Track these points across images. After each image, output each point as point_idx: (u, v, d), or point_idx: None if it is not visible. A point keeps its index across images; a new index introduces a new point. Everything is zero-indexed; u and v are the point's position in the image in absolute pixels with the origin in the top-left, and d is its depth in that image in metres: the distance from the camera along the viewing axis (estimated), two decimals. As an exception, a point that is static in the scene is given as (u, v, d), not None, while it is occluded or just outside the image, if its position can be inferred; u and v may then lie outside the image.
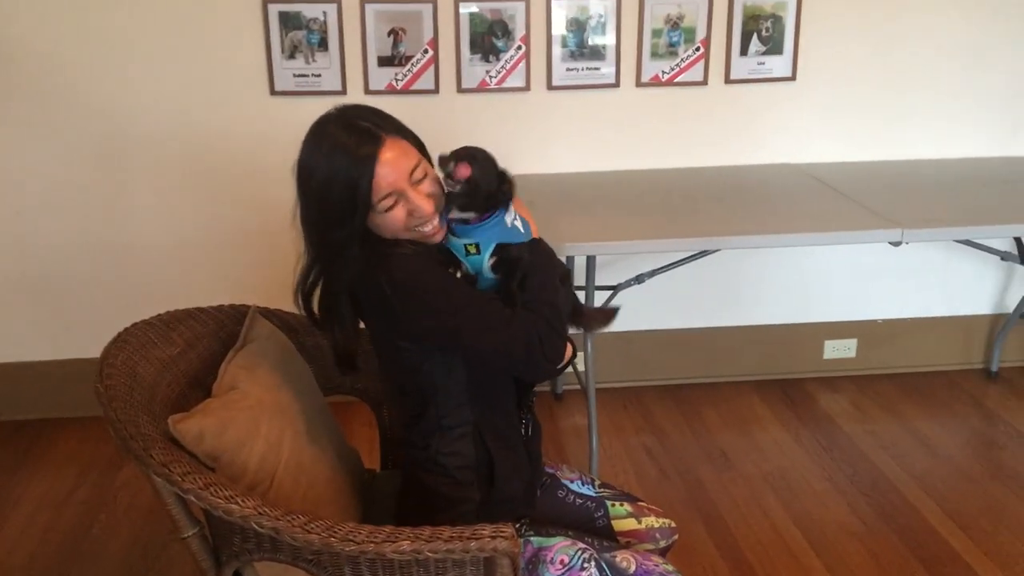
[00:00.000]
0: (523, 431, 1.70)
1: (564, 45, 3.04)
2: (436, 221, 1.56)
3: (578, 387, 3.33)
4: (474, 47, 3.00)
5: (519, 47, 3.02)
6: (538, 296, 1.55)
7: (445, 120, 3.06)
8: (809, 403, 3.35)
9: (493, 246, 1.57)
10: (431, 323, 1.50)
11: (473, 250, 1.58)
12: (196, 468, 1.37)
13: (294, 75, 2.96)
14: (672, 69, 3.11)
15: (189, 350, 1.72)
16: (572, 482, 1.82)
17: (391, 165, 1.49)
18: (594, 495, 1.81)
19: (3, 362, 3.18)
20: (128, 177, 3.03)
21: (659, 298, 3.30)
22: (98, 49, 2.89)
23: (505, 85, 3.05)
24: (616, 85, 3.10)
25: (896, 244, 2.59)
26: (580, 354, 2.91)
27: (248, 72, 2.96)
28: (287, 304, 1.77)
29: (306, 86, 2.98)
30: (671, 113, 3.15)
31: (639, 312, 3.33)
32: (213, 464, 1.46)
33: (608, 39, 3.05)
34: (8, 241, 3.05)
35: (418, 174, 1.53)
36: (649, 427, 3.20)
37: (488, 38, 3.00)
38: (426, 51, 2.99)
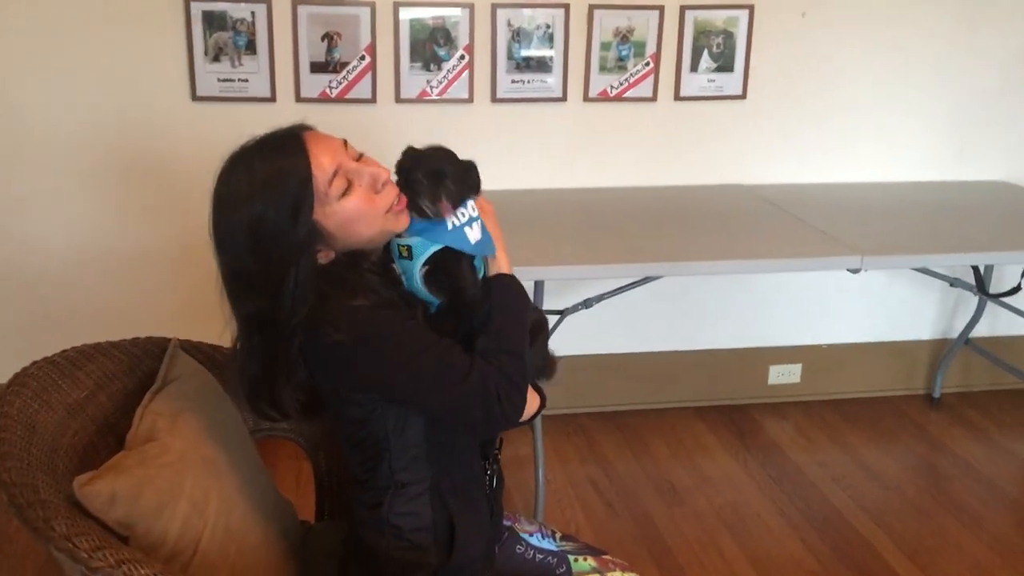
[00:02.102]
0: (487, 485, 1.52)
1: (510, 56, 2.89)
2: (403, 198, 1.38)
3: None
4: (414, 55, 2.83)
5: (462, 56, 2.85)
6: (497, 342, 1.37)
7: (382, 131, 2.87)
8: (756, 430, 3.26)
9: (429, 252, 1.39)
10: (376, 373, 1.32)
11: (405, 253, 1.40)
12: (106, 541, 1.15)
13: (219, 79, 2.74)
14: (621, 84, 2.98)
15: (99, 391, 1.50)
16: (531, 535, 1.66)
17: (322, 143, 1.33)
18: (555, 549, 1.65)
19: None
20: (32, 183, 2.76)
21: (602, 321, 3.16)
22: (6, 43, 2.62)
23: (447, 96, 2.88)
24: (563, 99, 2.96)
25: (855, 271, 2.50)
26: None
27: (168, 75, 2.72)
28: (211, 335, 1.57)
29: (232, 91, 2.75)
30: (619, 129, 3.02)
31: (581, 336, 3.19)
32: (126, 532, 1.25)
33: (555, 51, 2.91)
34: None
35: (352, 152, 1.37)
36: (594, 457, 3.06)
37: (430, 46, 2.83)
38: (363, 57, 2.79)
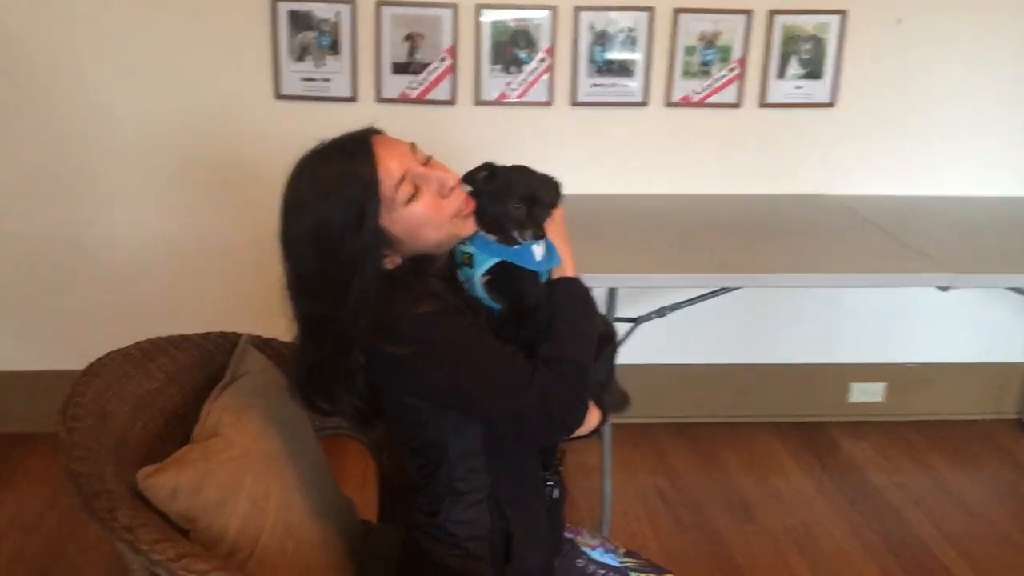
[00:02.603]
0: (548, 496, 1.49)
1: (591, 59, 2.85)
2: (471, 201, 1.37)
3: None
4: (495, 57, 2.81)
5: (543, 59, 2.83)
6: (559, 350, 1.34)
7: (460, 133, 2.87)
8: (833, 449, 3.15)
9: (490, 264, 1.36)
10: (438, 380, 1.30)
11: (467, 260, 1.38)
12: (166, 535, 1.17)
13: (302, 79, 2.77)
14: (704, 89, 2.92)
15: (169, 384, 1.53)
16: (593, 549, 1.62)
17: (390, 148, 1.33)
18: (617, 565, 1.61)
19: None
20: (117, 179, 2.84)
21: (677, 331, 3.10)
22: (88, 41, 2.70)
23: (526, 99, 2.86)
24: (644, 103, 2.91)
25: (944, 289, 2.39)
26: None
27: (253, 73, 2.76)
28: (283, 331, 1.58)
29: (314, 91, 2.78)
30: (701, 136, 2.96)
31: (655, 345, 3.13)
32: (188, 526, 1.27)
33: (638, 55, 2.86)
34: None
35: (420, 155, 1.36)
36: (663, 469, 3.00)
37: (510, 48, 2.81)
38: (444, 59, 2.80)
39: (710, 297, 2.67)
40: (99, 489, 1.18)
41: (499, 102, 2.86)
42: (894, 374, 3.29)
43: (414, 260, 1.36)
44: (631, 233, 2.65)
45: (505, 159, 2.79)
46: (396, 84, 2.80)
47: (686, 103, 2.93)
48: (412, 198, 1.31)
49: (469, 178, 1.41)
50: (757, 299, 3.11)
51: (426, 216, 1.32)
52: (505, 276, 1.37)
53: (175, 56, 2.73)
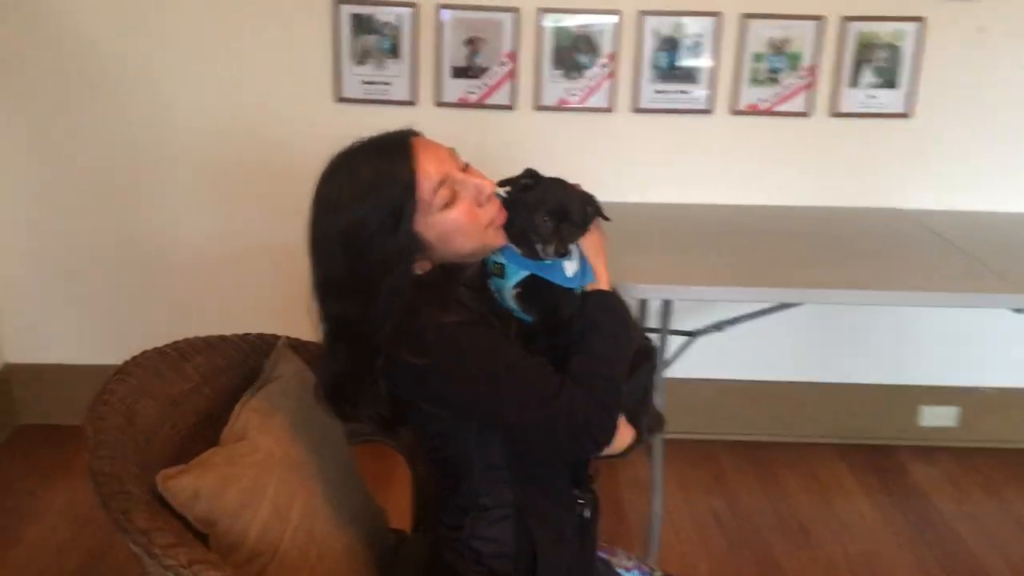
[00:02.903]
0: (579, 514, 1.44)
1: (655, 65, 2.79)
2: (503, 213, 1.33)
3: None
4: (556, 62, 2.77)
5: (605, 64, 2.78)
6: (590, 364, 1.29)
7: (520, 138, 2.83)
8: (900, 474, 3.02)
9: (522, 276, 1.32)
10: (460, 390, 1.26)
11: (498, 271, 1.34)
12: (181, 539, 1.15)
13: (362, 82, 2.77)
14: (772, 97, 2.83)
15: (204, 385, 1.53)
16: (628, 571, 1.57)
17: (430, 151, 1.29)
18: (653, 590, 1.55)
19: (36, 363, 3.04)
20: (177, 177, 2.87)
21: (738, 345, 3.00)
22: (155, 42, 2.74)
23: (587, 105, 2.81)
24: (709, 111, 2.83)
25: (1020, 311, 2.26)
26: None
27: (314, 76, 2.77)
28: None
29: (374, 94, 2.78)
30: (768, 145, 2.87)
31: (715, 359, 3.05)
32: (207, 530, 1.25)
33: (703, 61, 2.79)
34: (53, 238, 2.92)
35: (459, 161, 1.33)
36: (719, 487, 2.91)
37: (572, 53, 2.77)
38: (504, 63, 2.76)
39: (771, 312, 2.58)
40: (117, 489, 1.18)
41: (559, 108, 2.81)
42: (967, 398, 3.13)
43: (444, 268, 1.33)
44: (690, 244, 2.58)
45: (564, 166, 2.76)
46: (456, 88, 2.78)
47: (753, 111, 2.84)
48: (449, 204, 1.28)
49: (509, 182, 1.38)
50: (823, 315, 3.00)
51: (460, 223, 1.29)
52: (536, 289, 1.33)
53: (238, 57, 2.76)
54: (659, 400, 2.89)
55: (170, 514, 1.21)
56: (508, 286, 1.33)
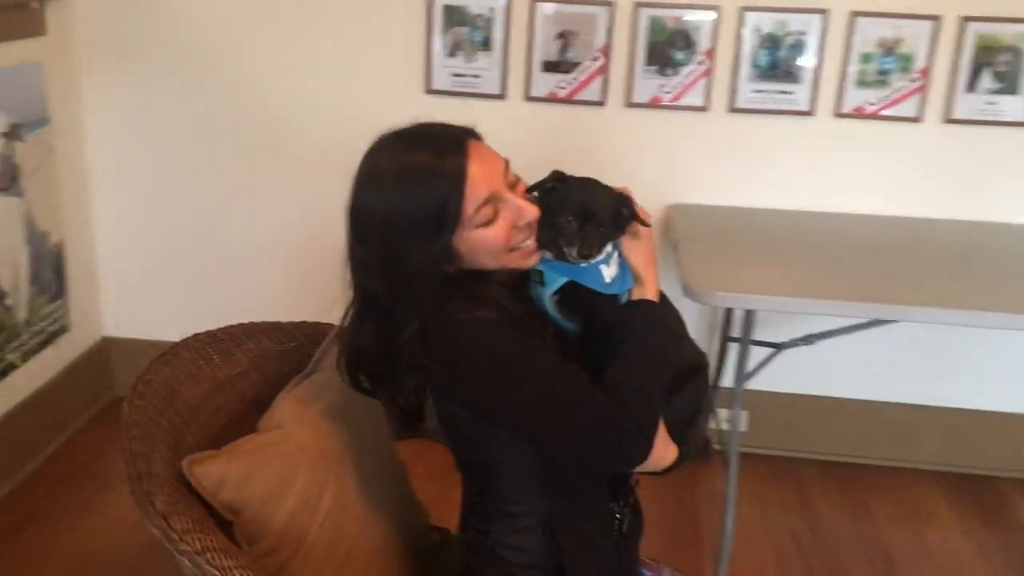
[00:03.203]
0: (616, 527, 1.38)
1: (754, 63, 2.67)
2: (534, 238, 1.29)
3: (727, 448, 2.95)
4: (650, 58, 2.69)
5: (701, 61, 2.68)
6: (627, 378, 1.22)
7: (609, 136, 2.76)
8: (1003, 509, 2.81)
9: (560, 283, 1.27)
10: (488, 392, 1.22)
11: (537, 278, 1.29)
12: (199, 526, 1.15)
13: (452, 74, 2.75)
14: (881, 100, 2.67)
15: (252, 370, 1.53)
16: (673, 592, 1.49)
17: (484, 163, 1.24)
18: (698, 613, 1.47)
19: (132, 337, 3.14)
20: (267, 167, 2.92)
21: (829, 360, 2.86)
22: (253, 31, 2.79)
23: (681, 102, 2.72)
24: (810, 113, 2.70)
25: None
26: (724, 411, 2.55)
27: (405, 67, 2.77)
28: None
29: (463, 87, 2.76)
30: (874, 151, 2.71)
31: (804, 374, 2.91)
32: (232, 517, 1.25)
33: (807, 60, 2.65)
34: (152, 219, 3.01)
35: (511, 176, 1.28)
36: (801, 507, 2.77)
37: (667, 49, 2.68)
38: (596, 58, 2.70)
39: (864, 328, 2.44)
40: (143, 471, 1.18)
41: (651, 105, 2.73)
42: (1085, 432, 2.90)
43: (478, 273, 1.29)
44: (781, 251, 2.47)
45: (654, 165, 2.67)
46: (546, 83, 2.74)
47: (859, 115, 2.69)
48: (488, 223, 1.24)
49: (537, 187, 1.32)
50: (925, 334, 2.82)
51: (491, 244, 1.25)
52: (576, 296, 1.28)
53: (332, 47, 2.78)
54: (719, 416, 2.78)
55: (195, 499, 1.21)
56: (547, 294, 1.29)
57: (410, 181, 1.22)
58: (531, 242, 1.28)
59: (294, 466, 1.31)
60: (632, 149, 2.77)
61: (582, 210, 1.27)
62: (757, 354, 2.58)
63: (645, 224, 1.34)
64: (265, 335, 1.57)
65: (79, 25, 2.81)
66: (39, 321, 2.74)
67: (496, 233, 1.24)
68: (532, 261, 1.30)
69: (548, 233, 1.28)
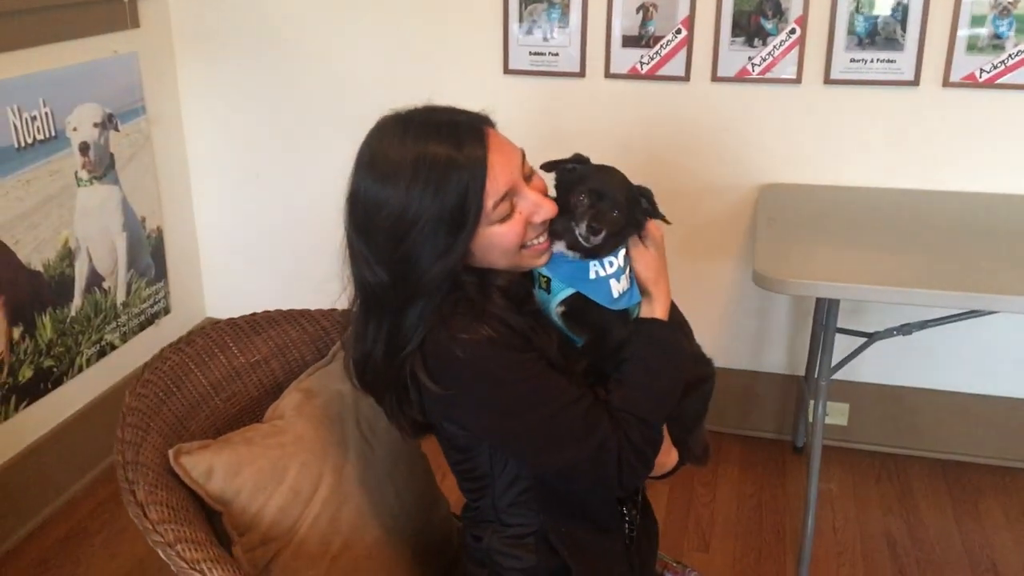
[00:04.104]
0: (626, 535, 1.30)
1: (851, 31, 2.47)
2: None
3: (828, 441, 2.78)
4: (737, 29, 2.53)
5: (793, 30, 2.50)
6: (630, 403, 1.16)
7: (694, 112, 2.63)
8: None
9: (567, 294, 1.19)
10: (484, 418, 1.17)
11: (544, 284, 1.22)
12: (176, 516, 1.15)
13: (530, 53, 2.69)
14: (995, 67, 2.42)
15: (272, 358, 1.53)
16: (697, 598, 1.40)
17: (503, 154, 1.16)
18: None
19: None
20: (343, 148, 2.93)
21: (938, 350, 2.65)
22: (338, 17, 2.80)
23: (770, 75, 2.55)
24: (914, 83, 2.47)
25: None
26: (812, 403, 2.39)
27: (484, 48, 2.72)
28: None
29: (541, 65, 2.69)
30: (988, 123, 2.47)
31: (910, 366, 2.70)
32: (221, 508, 1.25)
33: (911, 26, 2.43)
34: (251, 203, 3.09)
35: (527, 168, 1.21)
36: (902, 509, 2.58)
37: (755, 18, 2.52)
38: (679, 31, 2.57)
39: (967, 318, 2.24)
40: (131, 459, 1.20)
41: (739, 79, 2.57)
42: None
43: (479, 273, 1.21)
44: (878, 235, 2.28)
45: (741, 142, 2.52)
46: (626, 59, 2.63)
47: (971, 83, 2.45)
48: (504, 219, 1.17)
49: (555, 165, 1.26)
50: (1047, 324, 2.56)
51: (505, 242, 1.18)
52: (583, 310, 1.21)
53: (411, 30, 2.76)
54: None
55: (184, 490, 1.22)
56: (553, 303, 1.22)
57: (427, 174, 1.12)
58: (543, 239, 1.21)
59: (287, 458, 1.30)
60: (719, 126, 2.63)
61: (597, 188, 1.20)
62: (850, 343, 2.41)
63: (666, 222, 1.25)
64: (288, 322, 1.57)
65: (173, 17, 2.90)
66: (139, 303, 2.87)
67: (511, 230, 1.17)
68: (542, 260, 1.23)
69: (560, 221, 1.21)
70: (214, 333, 1.48)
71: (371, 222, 1.17)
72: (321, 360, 1.51)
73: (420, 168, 1.13)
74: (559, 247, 1.22)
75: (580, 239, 1.18)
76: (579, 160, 1.26)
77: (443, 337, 1.15)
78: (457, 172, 1.12)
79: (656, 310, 1.22)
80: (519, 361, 1.15)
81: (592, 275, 1.19)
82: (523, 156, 1.21)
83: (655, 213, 1.24)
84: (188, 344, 1.43)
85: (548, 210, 1.19)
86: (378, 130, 1.22)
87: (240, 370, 1.47)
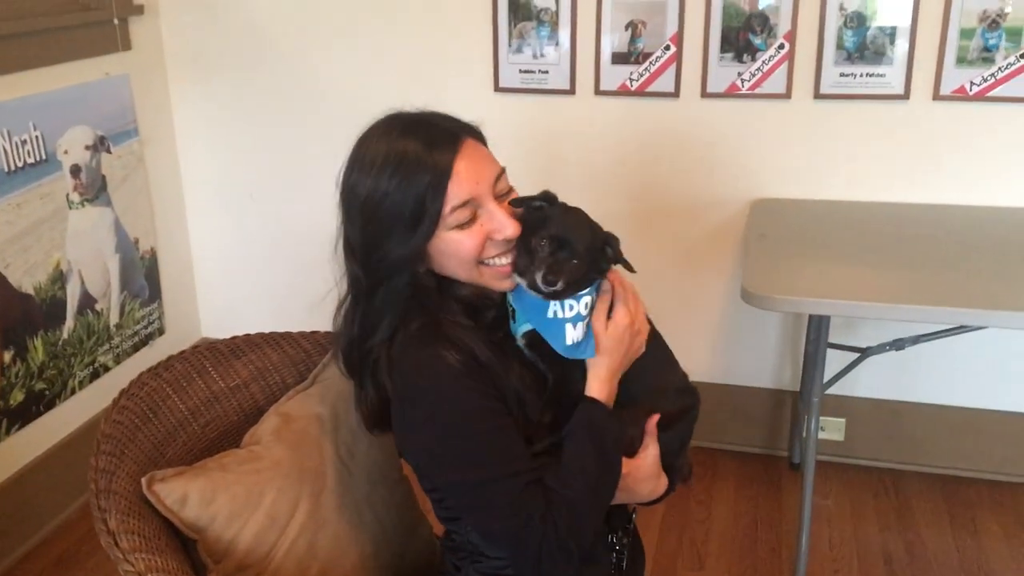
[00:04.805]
0: (612, 564, 1.29)
1: (840, 45, 2.47)
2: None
3: (825, 457, 2.76)
4: (725, 44, 2.53)
5: (781, 45, 2.50)
6: (563, 488, 1.15)
7: (684, 128, 2.63)
8: None
9: (526, 330, 1.20)
10: (417, 455, 1.20)
11: (511, 313, 1.22)
12: (148, 545, 1.14)
13: (520, 71, 2.69)
14: (985, 80, 2.41)
15: (252, 382, 1.53)
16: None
17: (474, 164, 1.18)
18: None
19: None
20: (325, 165, 2.93)
21: (933, 365, 2.63)
22: (329, 36, 2.81)
23: (760, 91, 2.55)
24: (904, 97, 2.47)
25: None
26: (806, 419, 2.36)
27: (474, 66, 2.72)
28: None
29: (531, 83, 2.69)
30: (979, 135, 2.46)
31: (906, 380, 2.68)
32: (195, 536, 1.24)
33: (899, 39, 2.43)
34: (246, 223, 3.10)
35: (502, 186, 1.22)
36: (900, 526, 2.56)
37: (744, 34, 2.52)
38: (668, 47, 2.57)
39: (958, 332, 2.22)
40: (104, 487, 1.19)
41: (729, 94, 2.57)
42: None
43: (440, 279, 1.24)
44: (868, 249, 2.27)
45: (731, 158, 2.51)
46: (616, 76, 2.63)
47: (961, 96, 2.44)
48: (461, 226, 1.18)
49: (523, 202, 1.25)
50: (1042, 337, 2.54)
51: (462, 251, 1.20)
52: (543, 344, 1.21)
53: (402, 47, 2.76)
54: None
55: (156, 518, 1.21)
56: (518, 333, 1.23)
57: (394, 167, 1.18)
58: (505, 261, 1.22)
59: (264, 484, 1.29)
60: (710, 142, 2.62)
61: (559, 234, 1.20)
62: (845, 358, 2.40)
63: (630, 269, 1.25)
64: (270, 345, 1.57)
65: (165, 39, 2.92)
66: (133, 324, 2.87)
67: (469, 239, 1.19)
68: (505, 284, 1.24)
69: (523, 258, 1.21)
70: (193, 357, 1.47)
71: (349, 205, 1.24)
72: (301, 384, 1.50)
73: (391, 160, 1.19)
74: (520, 282, 1.21)
75: (538, 285, 1.18)
76: (547, 199, 1.24)
77: (403, 348, 1.18)
78: (422, 171, 1.16)
79: (593, 386, 1.21)
80: (476, 411, 1.15)
81: (550, 314, 1.18)
82: (501, 173, 1.22)
83: (618, 260, 1.23)
84: (166, 369, 1.42)
85: (511, 230, 1.20)
86: (372, 125, 1.27)
87: (219, 395, 1.47)
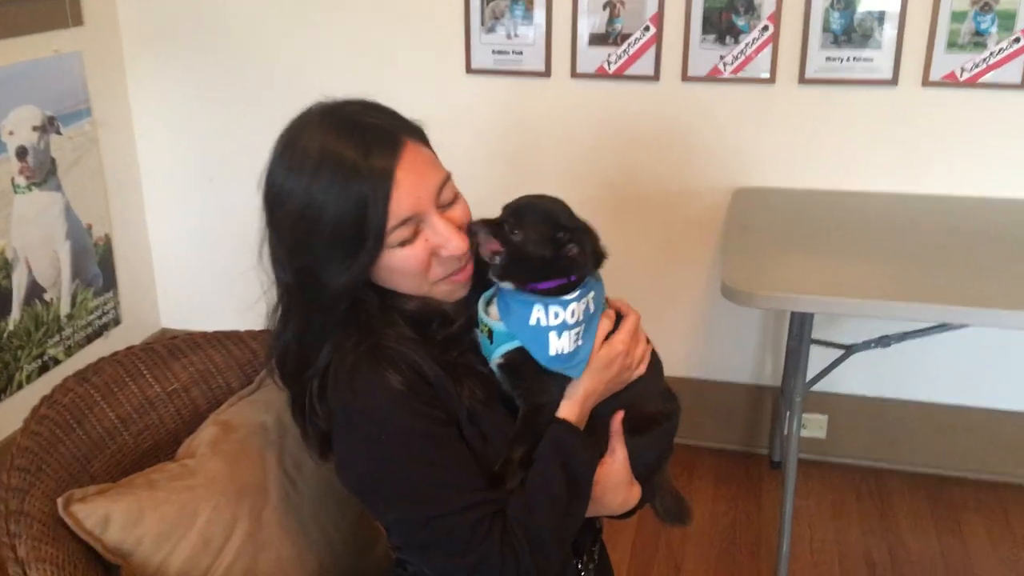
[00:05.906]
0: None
1: (826, 28, 2.36)
2: (469, 268, 1.11)
3: (806, 455, 2.68)
4: (707, 26, 2.42)
5: (765, 27, 2.39)
6: (527, 518, 1.05)
7: (664, 112, 2.51)
8: None
9: (510, 347, 1.08)
10: (363, 495, 1.10)
11: (486, 331, 1.10)
12: (62, 575, 1.02)
13: (493, 51, 2.56)
14: (977, 65, 2.31)
15: (193, 386, 1.41)
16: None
17: (416, 176, 1.05)
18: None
19: (189, 329, 3.10)
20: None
21: (918, 362, 2.54)
22: (293, 14, 2.67)
23: (743, 75, 2.43)
24: (893, 82, 2.36)
25: None
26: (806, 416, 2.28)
27: (445, 46, 2.59)
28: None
29: (505, 65, 2.56)
30: (970, 123, 2.36)
31: (891, 377, 2.60)
32: (119, 561, 1.12)
33: (888, 22, 2.33)
34: (206, 213, 2.96)
35: (447, 195, 1.09)
36: (882, 527, 2.47)
37: (727, 15, 2.40)
38: (647, 28, 2.45)
39: (944, 330, 2.13)
40: (16, 509, 1.07)
41: (710, 78, 2.46)
42: None
43: (383, 293, 1.12)
44: (853, 241, 2.17)
45: (709, 144, 2.39)
46: (593, 57, 2.51)
47: (951, 82, 2.34)
48: (403, 243, 1.07)
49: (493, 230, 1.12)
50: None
51: (406, 267, 1.08)
52: (521, 368, 1.09)
53: (372, 28, 2.63)
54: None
55: (74, 543, 1.09)
56: (493, 355, 1.11)
57: (328, 175, 1.05)
58: (460, 276, 1.12)
59: (196, 502, 1.17)
60: (690, 128, 2.51)
61: (513, 206, 1.11)
62: (828, 354, 2.31)
63: (592, 270, 1.12)
64: (212, 346, 1.45)
65: (120, 14, 2.77)
66: (85, 315, 2.73)
67: (413, 255, 1.08)
68: (458, 295, 1.13)
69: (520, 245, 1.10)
70: (125, 360, 1.35)
71: (276, 212, 1.11)
72: (245, 388, 1.38)
73: (324, 164, 1.06)
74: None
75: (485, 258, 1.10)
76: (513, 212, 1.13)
77: (345, 368, 1.07)
78: (358, 182, 1.04)
79: (564, 407, 1.11)
80: (420, 440, 1.05)
81: (533, 320, 1.07)
82: (446, 180, 1.10)
83: (570, 242, 1.09)
84: (95, 373, 1.30)
85: (457, 245, 1.08)
86: (301, 116, 1.14)
87: (154, 400, 1.35)
